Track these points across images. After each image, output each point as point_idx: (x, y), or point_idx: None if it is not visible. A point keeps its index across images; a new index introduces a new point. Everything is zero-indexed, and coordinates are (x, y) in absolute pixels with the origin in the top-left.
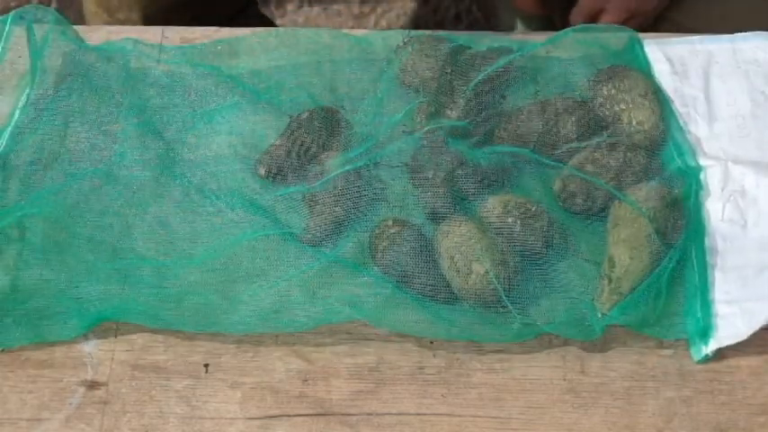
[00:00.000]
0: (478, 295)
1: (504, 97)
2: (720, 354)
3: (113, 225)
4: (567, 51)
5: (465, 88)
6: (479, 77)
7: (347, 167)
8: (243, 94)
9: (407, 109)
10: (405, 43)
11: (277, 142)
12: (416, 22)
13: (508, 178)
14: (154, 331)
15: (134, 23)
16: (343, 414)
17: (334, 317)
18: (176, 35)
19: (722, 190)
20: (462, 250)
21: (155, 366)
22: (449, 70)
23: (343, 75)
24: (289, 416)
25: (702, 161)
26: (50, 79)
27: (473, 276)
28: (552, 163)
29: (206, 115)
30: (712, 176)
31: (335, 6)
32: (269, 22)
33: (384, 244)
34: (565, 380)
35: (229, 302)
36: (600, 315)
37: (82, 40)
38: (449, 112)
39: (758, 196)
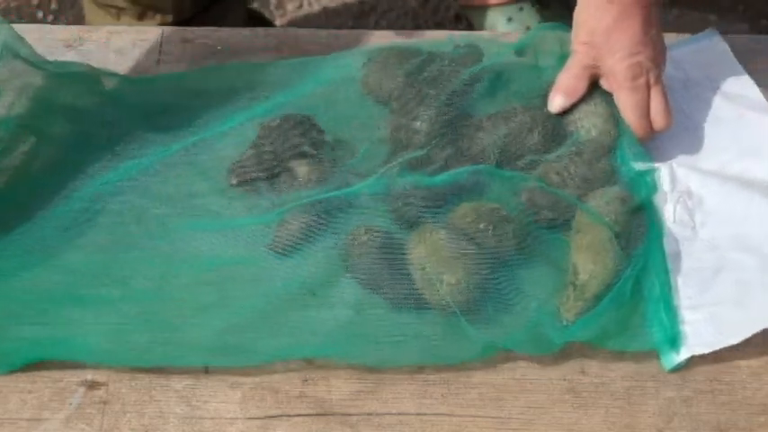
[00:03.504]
0: (449, 304)
1: (470, 106)
2: (719, 354)
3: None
4: (537, 56)
5: (432, 101)
6: (447, 90)
7: (319, 196)
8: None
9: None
10: (369, 59)
11: (248, 152)
12: (416, 22)
13: (470, 192)
14: None
15: None
16: (343, 414)
17: (293, 353)
18: (176, 35)
19: (671, 192)
20: (433, 260)
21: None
22: (415, 82)
23: (317, 87)
24: (289, 416)
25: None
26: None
27: (443, 286)
28: (517, 174)
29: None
30: (661, 179)
31: (335, 6)
32: (269, 22)
33: (356, 253)
34: (565, 380)
35: (182, 334)
36: (564, 322)
37: (39, 59)
38: (417, 124)
39: (704, 196)
